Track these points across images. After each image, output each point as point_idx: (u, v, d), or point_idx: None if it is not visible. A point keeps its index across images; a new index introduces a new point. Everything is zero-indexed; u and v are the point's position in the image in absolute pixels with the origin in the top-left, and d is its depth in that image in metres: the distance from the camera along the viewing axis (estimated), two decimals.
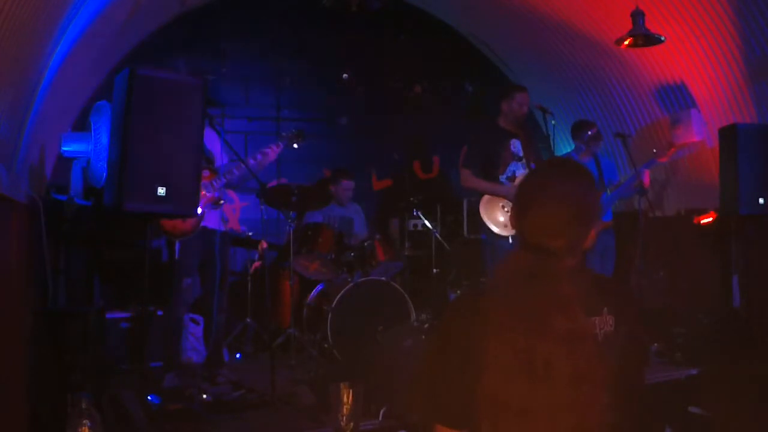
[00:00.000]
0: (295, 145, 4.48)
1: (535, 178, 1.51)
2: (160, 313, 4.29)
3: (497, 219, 4.21)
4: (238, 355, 4.82)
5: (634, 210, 4.99)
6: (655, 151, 4.82)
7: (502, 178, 4.30)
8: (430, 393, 1.40)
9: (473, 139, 4.47)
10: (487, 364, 1.29)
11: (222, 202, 4.07)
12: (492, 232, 4.19)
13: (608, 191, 4.75)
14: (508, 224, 4.01)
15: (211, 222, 4.05)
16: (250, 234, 5.26)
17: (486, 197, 4.26)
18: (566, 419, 1.29)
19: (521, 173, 4.25)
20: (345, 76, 6.23)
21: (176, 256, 4.02)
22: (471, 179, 4.31)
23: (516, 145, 4.35)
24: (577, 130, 5.02)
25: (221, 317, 4.23)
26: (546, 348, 1.28)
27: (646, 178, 4.78)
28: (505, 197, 4.18)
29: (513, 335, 1.29)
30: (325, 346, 4.49)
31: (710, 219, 5.11)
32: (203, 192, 3.75)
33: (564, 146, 5.73)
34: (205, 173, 3.83)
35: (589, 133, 4.80)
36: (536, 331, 1.30)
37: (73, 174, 4.59)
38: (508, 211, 4.12)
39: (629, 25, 4.42)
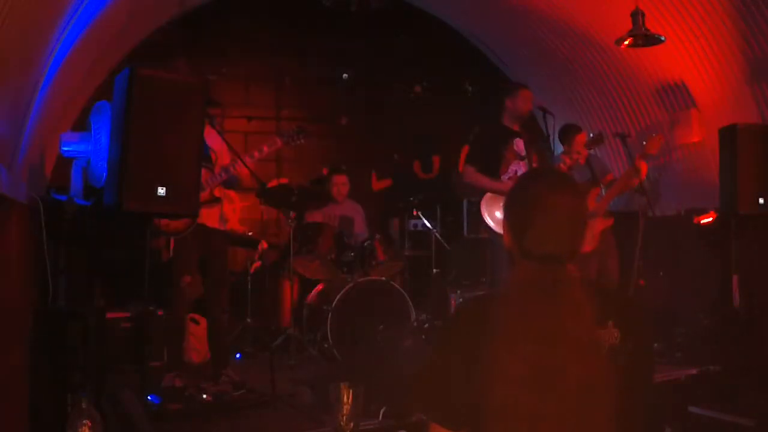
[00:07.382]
0: (299, 142, 4.43)
1: (527, 190, 1.50)
2: (160, 313, 4.29)
3: (498, 218, 4.19)
4: (238, 355, 4.82)
5: (634, 210, 4.97)
6: (644, 143, 4.81)
7: (504, 177, 4.28)
8: (432, 393, 1.41)
9: (476, 137, 4.45)
10: (496, 374, 1.30)
11: (220, 198, 4.06)
12: (493, 230, 4.18)
13: (603, 189, 4.71)
14: None
15: (209, 220, 4.04)
16: (250, 234, 5.26)
17: (488, 195, 4.24)
18: (574, 428, 1.30)
19: (523, 173, 4.23)
20: (345, 76, 6.23)
21: (174, 255, 4.02)
22: (475, 176, 4.27)
23: (519, 145, 4.34)
24: (565, 134, 4.98)
25: (223, 317, 4.22)
26: (557, 357, 1.30)
27: (643, 170, 4.71)
28: None
29: (525, 347, 1.30)
30: (325, 346, 4.49)
31: (710, 219, 5.10)
32: None
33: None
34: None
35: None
36: (549, 341, 1.31)
37: (73, 174, 4.58)
38: None
39: (629, 25, 4.42)
